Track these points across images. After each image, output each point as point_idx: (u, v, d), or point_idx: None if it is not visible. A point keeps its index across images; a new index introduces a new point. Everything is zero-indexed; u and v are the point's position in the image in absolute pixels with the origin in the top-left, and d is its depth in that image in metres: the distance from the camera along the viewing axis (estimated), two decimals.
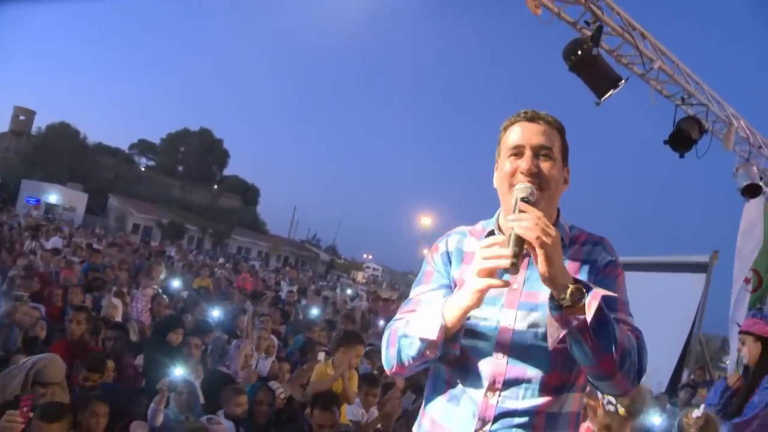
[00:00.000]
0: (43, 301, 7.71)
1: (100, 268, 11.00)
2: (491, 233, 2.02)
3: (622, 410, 3.01)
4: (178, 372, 4.74)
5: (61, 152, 51.68)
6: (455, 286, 2.00)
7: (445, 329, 1.79)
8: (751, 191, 7.80)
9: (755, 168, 7.76)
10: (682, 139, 6.93)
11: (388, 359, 1.98)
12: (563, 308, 1.66)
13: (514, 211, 1.78)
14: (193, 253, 35.04)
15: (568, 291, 1.63)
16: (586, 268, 1.93)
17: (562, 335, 1.67)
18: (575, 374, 1.88)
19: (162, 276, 9.09)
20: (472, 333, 1.89)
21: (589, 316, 1.61)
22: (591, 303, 1.62)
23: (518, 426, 1.82)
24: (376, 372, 6.67)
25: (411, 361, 1.89)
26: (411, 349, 1.86)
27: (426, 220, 51.31)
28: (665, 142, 7.06)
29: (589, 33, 5.95)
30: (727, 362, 9.48)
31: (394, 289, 46.21)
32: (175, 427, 4.32)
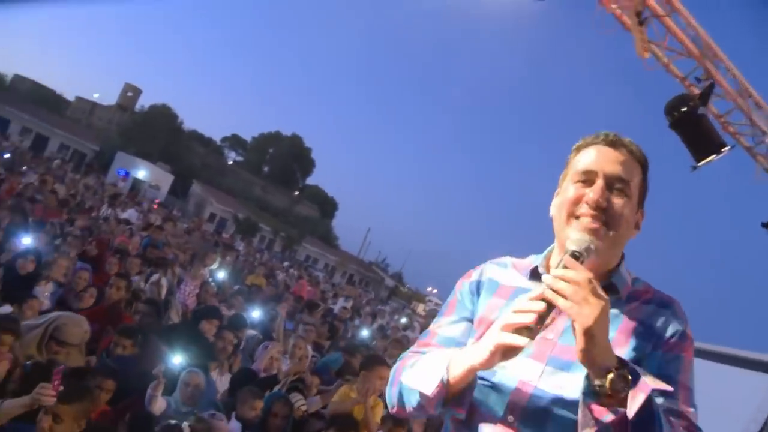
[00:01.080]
0: (96, 267, 7.71)
1: (159, 245, 11.08)
2: (535, 272, 1.70)
3: None
4: (176, 360, 4.56)
5: (157, 132, 53.61)
6: (476, 321, 1.73)
7: (446, 385, 1.51)
8: None
9: None
10: None
11: (390, 397, 1.73)
12: (599, 396, 1.33)
13: (559, 264, 1.47)
14: (262, 252, 35.40)
15: (609, 377, 1.31)
16: (644, 334, 1.55)
17: None
18: None
19: (215, 265, 8.98)
20: (485, 384, 1.57)
21: (630, 411, 1.28)
22: (636, 395, 1.29)
23: None
24: None
25: (411, 410, 1.62)
26: (410, 398, 1.61)
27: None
28: (764, 225, 6.47)
29: (697, 90, 5.51)
30: None
31: None
32: (174, 418, 4.07)
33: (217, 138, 73.73)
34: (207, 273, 8.61)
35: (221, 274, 10.33)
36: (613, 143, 1.65)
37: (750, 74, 5.68)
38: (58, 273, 6.37)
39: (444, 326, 1.76)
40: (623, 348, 1.50)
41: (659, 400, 1.38)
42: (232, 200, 56.94)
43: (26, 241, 6.35)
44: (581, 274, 1.37)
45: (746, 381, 8.23)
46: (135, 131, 52.84)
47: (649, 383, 1.30)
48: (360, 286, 53.06)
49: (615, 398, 1.30)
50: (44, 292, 6.08)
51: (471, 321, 1.74)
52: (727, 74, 5.63)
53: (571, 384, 1.46)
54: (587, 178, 1.63)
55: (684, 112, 5.44)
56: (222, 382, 5.66)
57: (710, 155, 5.62)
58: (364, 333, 12.44)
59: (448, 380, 1.50)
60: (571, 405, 1.43)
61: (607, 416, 1.31)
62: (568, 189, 1.66)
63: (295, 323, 10.19)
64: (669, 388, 1.37)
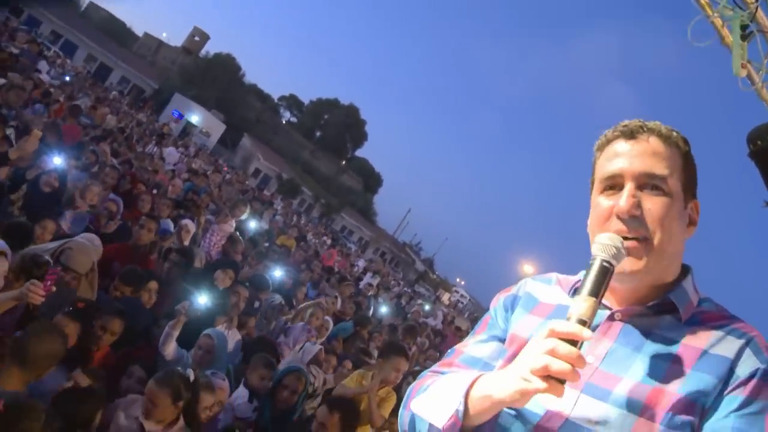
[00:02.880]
0: (127, 202, 7.56)
1: (201, 192, 10.96)
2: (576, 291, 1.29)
3: None
4: (202, 300, 4.34)
5: (217, 80, 54.08)
6: (507, 339, 1.45)
7: (461, 417, 1.21)
8: None
9: None
10: None
11: (401, 421, 1.42)
12: None
13: (585, 279, 1.19)
14: (299, 215, 35.46)
15: None
16: (710, 369, 1.19)
17: None
18: None
19: (245, 216, 8.77)
20: (507, 411, 1.28)
21: None
22: None
23: None
24: None
25: None
26: (421, 428, 1.31)
27: (528, 268, 49.46)
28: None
29: None
30: None
31: (473, 321, 44.30)
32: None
33: (275, 96, 73.80)
34: (233, 225, 8.36)
35: (252, 224, 10.13)
36: (635, 133, 1.34)
37: None
38: (88, 199, 6.22)
39: (471, 345, 1.49)
40: (681, 384, 1.18)
41: None
42: (279, 159, 57.17)
43: (57, 161, 6.20)
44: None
45: None
46: (196, 76, 53.32)
47: None
48: (390, 265, 53.00)
49: None
50: (69, 216, 5.94)
51: (502, 341, 1.46)
52: None
53: (611, 418, 1.18)
54: (613, 183, 1.33)
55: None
56: (229, 337, 5.43)
57: None
58: (383, 310, 12.20)
59: (465, 411, 1.21)
60: None
61: None
62: (597, 201, 1.36)
63: (317, 292, 10.00)
64: None
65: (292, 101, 75.61)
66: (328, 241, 27.42)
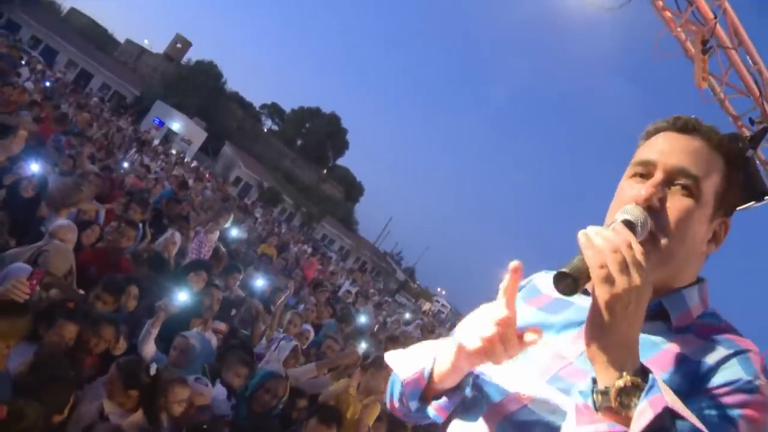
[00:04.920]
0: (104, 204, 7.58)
1: (181, 200, 10.93)
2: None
3: None
4: (182, 297, 4.40)
5: (199, 88, 53.89)
6: None
7: (426, 377, 1.26)
8: None
9: None
10: None
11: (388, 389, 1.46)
12: (598, 407, 1.01)
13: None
14: (280, 224, 35.42)
15: (616, 383, 0.99)
16: (681, 374, 1.13)
17: None
18: None
19: (228, 224, 8.82)
20: (476, 386, 1.30)
21: (633, 430, 0.95)
22: (643, 413, 0.94)
23: None
24: None
25: (397, 404, 1.39)
26: (395, 388, 1.37)
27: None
28: None
29: (749, 133, 5.24)
30: None
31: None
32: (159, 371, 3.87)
33: (256, 103, 73.49)
34: (217, 235, 8.41)
35: (234, 233, 10.20)
36: (686, 128, 1.27)
37: None
38: (76, 203, 6.26)
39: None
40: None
41: None
42: (260, 167, 57.09)
43: (34, 167, 6.23)
44: (625, 234, 1.06)
45: None
46: (178, 83, 53.13)
47: (667, 399, 0.94)
48: (371, 274, 53.00)
49: (617, 413, 0.98)
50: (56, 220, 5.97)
51: None
52: None
53: (569, 408, 1.09)
54: (645, 171, 1.26)
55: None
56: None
57: (750, 201, 5.37)
58: (362, 319, 12.25)
59: (430, 372, 1.26)
60: None
61: (599, 426, 0.99)
62: (623, 186, 1.30)
63: (297, 300, 10.06)
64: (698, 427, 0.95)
65: (273, 109, 75.42)
66: (309, 250, 27.41)
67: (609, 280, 1.00)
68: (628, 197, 1.24)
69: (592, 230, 1.07)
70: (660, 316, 1.23)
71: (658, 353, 1.17)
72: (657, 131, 1.32)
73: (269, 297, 8.20)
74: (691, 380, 1.10)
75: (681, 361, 1.14)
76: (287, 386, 4.59)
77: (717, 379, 1.09)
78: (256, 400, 4.35)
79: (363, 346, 5.93)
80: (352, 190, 75.24)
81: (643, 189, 1.21)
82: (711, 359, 1.12)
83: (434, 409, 1.29)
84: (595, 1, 4.99)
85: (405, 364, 1.32)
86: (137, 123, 37.42)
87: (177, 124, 47.39)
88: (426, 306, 59.36)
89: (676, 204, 1.21)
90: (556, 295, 1.24)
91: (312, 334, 7.20)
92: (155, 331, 4.21)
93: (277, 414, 4.57)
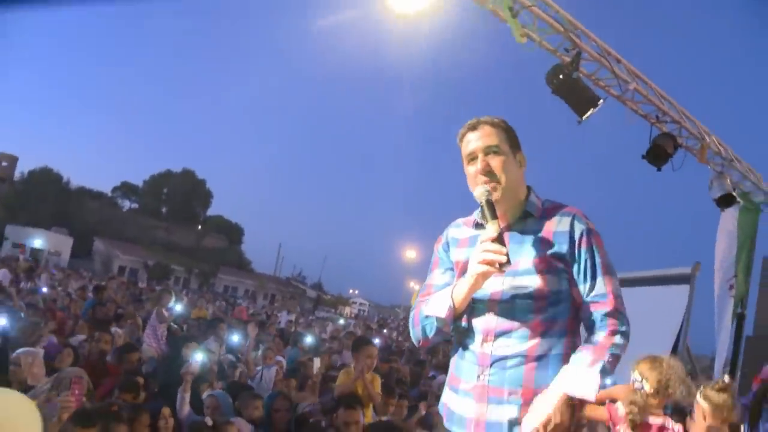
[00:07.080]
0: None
1: (105, 304, 11.23)
2: (477, 223, 2.37)
3: (648, 387, 3.00)
4: (199, 357, 5.16)
5: (44, 197, 51.72)
6: (455, 266, 2.42)
7: (453, 309, 2.24)
8: (726, 201, 8.28)
9: (728, 180, 8.26)
10: (659, 153, 7.41)
11: (415, 335, 2.42)
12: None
13: (482, 218, 2.23)
14: (182, 293, 35.03)
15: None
16: (560, 239, 2.21)
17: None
18: (560, 323, 2.21)
19: (172, 302, 9.28)
20: (472, 301, 2.28)
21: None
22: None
23: (510, 367, 2.19)
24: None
25: (432, 336, 2.33)
26: (431, 326, 2.31)
27: (411, 253, 51.02)
28: (643, 157, 7.52)
29: (568, 59, 6.45)
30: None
31: (385, 325, 42.67)
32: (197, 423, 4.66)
33: (107, 189, 71.00)
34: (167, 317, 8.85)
35: (179, 308, 10.73)
36: (474, 126, 2.32)
37: (607, 37, 6.70)
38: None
39: (436, 277, 2.45)
40: (550, 250, 2.20)
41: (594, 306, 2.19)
42: (137, 249, 55.65)
43: None
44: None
45: (665, 295, 9.25)
46: (20, 201, 50.82)
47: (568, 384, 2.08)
48: (284, 302, 52.97)
49: None
50: None
51: (452, 269, 2.43)
52: (588, 41, 6.63)
53: (522, 281, 2.18)
54: (472, 157, 2.30)
55: (561, 78, 6.37)
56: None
57: (590, 109, 6.59)
58: (309, 339, 12.94)
59: (453, 304, 2.22)
60: (526, 295, 2.18)
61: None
62: (467, 170, 2.33)
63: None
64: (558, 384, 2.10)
65: (126, 188, 73.12)
66: (224, 304, 27.56)
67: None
68: (474, 174, 2.28)
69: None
70: (528, 216, 2.30)
71: (542, 234, 2.23)
72: (463, 135, 2.35)
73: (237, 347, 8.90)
74: (566, 241, 2.22)
75: (555, 233, 2.23)
76: (290, 400, 5.58)
77: (575, 236, 2.22)
78: (274, 421, 5.21)
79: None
80: (233, 233, 74.47)
81: (478, 164, 2.27)
82: (565, 227, 2.23)
83: (460, 321, 2.30)
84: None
85: (438, 309, 2.27)
86: None
87: (38, 240, 45.50)
88: (347, 310, 60.17)
89: (496, 162, 2.27)
90: (468, 235, 2.40)
91: (284, 363, 8.04)
92: (188, 395, 4.89)
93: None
